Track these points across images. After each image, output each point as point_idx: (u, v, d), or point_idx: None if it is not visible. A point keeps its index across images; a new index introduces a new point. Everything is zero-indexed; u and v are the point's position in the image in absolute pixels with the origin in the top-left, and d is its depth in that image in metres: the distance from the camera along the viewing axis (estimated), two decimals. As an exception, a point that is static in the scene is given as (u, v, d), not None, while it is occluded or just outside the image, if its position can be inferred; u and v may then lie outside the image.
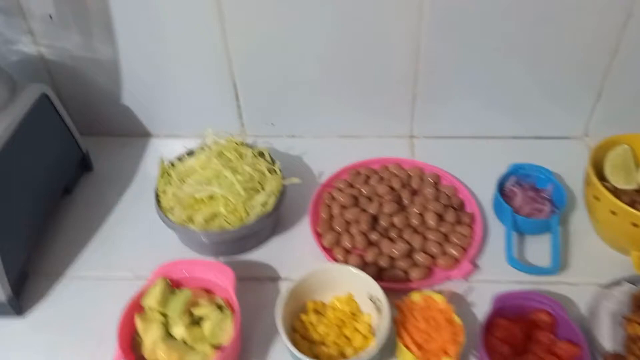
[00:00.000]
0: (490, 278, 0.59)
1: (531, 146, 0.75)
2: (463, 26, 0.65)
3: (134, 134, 0.79)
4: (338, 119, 0.76)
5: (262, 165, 0.63)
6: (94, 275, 0.61)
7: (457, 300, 0.56)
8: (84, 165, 0.72)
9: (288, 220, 0.66)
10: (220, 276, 0.52)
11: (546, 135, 0.76)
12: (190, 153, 0.66)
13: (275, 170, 0.63)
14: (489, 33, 0.65)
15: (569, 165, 0.70)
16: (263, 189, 0.61)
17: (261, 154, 0.66)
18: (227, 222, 0.58)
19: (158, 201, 0.60)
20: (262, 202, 0.59)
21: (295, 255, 0.62)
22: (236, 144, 0.65)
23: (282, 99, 0.74)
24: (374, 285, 0.50)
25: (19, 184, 0.57)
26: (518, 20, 0.64)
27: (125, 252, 0.63)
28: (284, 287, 0.58)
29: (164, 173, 0.63)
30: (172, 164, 0.64)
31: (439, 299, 0.52)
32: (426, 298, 0.52)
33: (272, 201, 0.59)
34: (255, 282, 0.59)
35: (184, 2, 0.64)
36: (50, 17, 0.65)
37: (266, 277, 0.60)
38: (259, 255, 0.63)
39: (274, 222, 0.64)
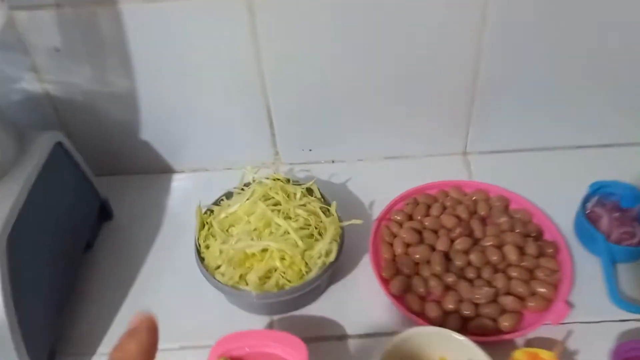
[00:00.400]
0: (589, 319, 0.51)
1: (599, 155, 0.67)
2: (526, 31, 0.57)
3: (154, 170, 0.70)
4: (381, 139, 0.68)
5: (315, 206, 0.55)
6: (132, 348, 0.52)
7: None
8: (104, 213, 0.63)
9: (345, 265, 0.58)
10: (289, 350, 0.44)
11: (614, 142, 0.68)
12: (229, 195, 0.58)
13: (329, 211, 0.55)
14: (553, 38, 0.58)
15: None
16: (320, 234, 0.53)
17: (309, 191, 0.58)
18: (284, 278, 0.50)
19: (201, 259, 0.52)
20: (323, 252, 0.51)
21: (361, 306, 0.54)
22: (281, 181, 0.57)
23: (320, 121, 0.66)
24: (478, 351, 0.42)
25: (39, 251, 0.49)
26: (582, 25, 0.56)
27: (163, 317, 0.53)
28: (353, 347, 0.51)
29: (204, 223, 0.54)
30: (211, 211, 0.56)
31: (547, 356, 0.44)
32: (532, 355, 0.44)
33: (334, 249, 0.51)
34: (320, 342, 0.52)
35: (211, 25, 0.56)
36: (57, 50, 0.56)
37: (332, 335, 0.52)
38: (318, 309, 0.55)
39: (333, 271, 0.56)
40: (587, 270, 0.55)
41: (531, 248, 0.55)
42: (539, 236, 0.58)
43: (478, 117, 0.65)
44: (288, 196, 0.55)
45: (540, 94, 0.63)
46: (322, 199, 0.57)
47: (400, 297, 0.53)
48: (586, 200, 0.58)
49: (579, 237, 0.58)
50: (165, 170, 0.71)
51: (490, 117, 0.65)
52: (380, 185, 0.66)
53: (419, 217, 0.60)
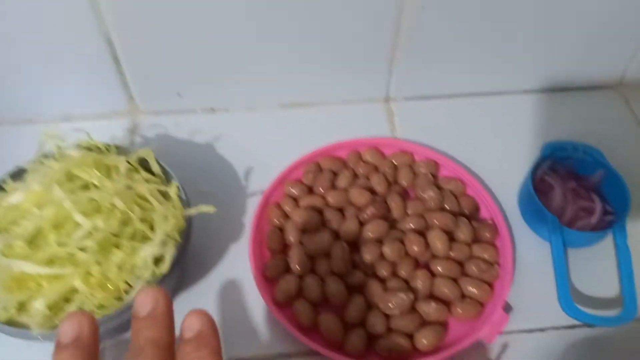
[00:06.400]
0: (532, 326, 0.39)
1: (551, 103, 0.54)
2: None
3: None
4: (279, 81, 0.51)
5: (150, 188, 0.37)
6: None
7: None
8: None
9: (207, 253, 0.42)
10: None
11: (567, 85, 0.54)
12: (19, 174, 0.39)
13: (169, 194, 0.38)
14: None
15: (603, 124, 0.51)
16: (152, 229, 0.36)
17: (144, 163, 0.40)
18: (91, 302, 0.33)
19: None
20: (152, 258, 0.34)
21: (233, 321, 0.39)
22: (101, 149, 0.39)
23: (194, 56, 0.47)
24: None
25: None
26: None
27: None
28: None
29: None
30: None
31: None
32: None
33: (169, 253, 0.35)
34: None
35: None
36: None
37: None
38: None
39: (177, 277, 0.40)
40: (532, 259, 0.43)
41: (464, 232, 0.42)
42: (473, 214, 0.44)
43: (404, 56, 0.49)
44: (107, 173, 0.38)
45: (476, 33, 0.47)
46: (163, 176, 0.40)
47: (284, 305, 0.39)
48: (537, 166, 0.45)
49: (523, 214, 0.45)
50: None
51: (419, 57, 0.49)
52: (274, 145, 0.49)
53: (321, 190, 0.44)
